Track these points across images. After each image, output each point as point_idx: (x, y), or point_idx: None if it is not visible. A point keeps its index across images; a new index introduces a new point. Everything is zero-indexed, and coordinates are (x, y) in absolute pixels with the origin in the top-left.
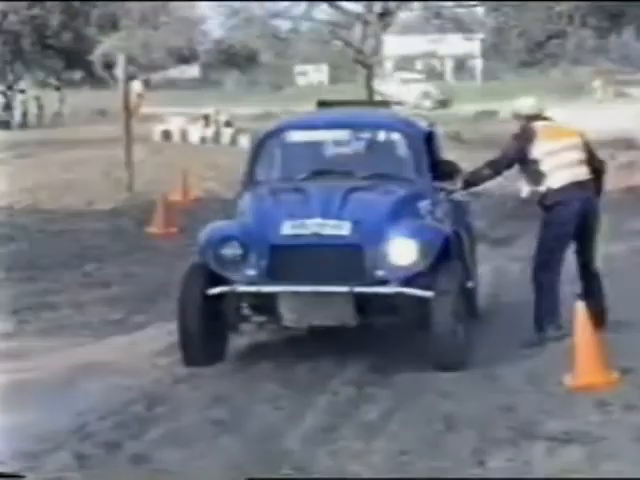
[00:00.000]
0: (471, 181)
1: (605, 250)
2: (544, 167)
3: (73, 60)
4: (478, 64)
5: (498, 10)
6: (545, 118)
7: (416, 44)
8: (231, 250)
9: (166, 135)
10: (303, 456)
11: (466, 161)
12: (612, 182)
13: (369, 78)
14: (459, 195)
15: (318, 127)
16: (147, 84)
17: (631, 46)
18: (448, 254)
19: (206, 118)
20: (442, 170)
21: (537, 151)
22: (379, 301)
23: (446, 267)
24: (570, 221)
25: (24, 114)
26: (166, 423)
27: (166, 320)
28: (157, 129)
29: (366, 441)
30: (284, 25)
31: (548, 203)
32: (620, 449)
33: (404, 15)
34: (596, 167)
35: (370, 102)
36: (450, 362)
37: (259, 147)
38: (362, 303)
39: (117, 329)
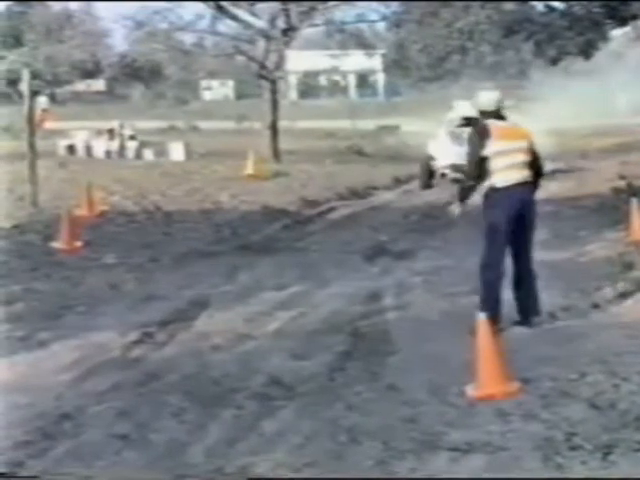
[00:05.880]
0: (463, 196)
1: None
2: (493, 166)
3: None
4: (380, 79)
5: (399, 26)
6: (501, 117)
7: (319, 59)
8: None
9: (71, 150)
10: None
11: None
12: None
13: (273, 93)
14: None
15: None
16: (53, 99)
17: (528, 62)
18: None
19: (110, 132)
20: None
21: (488, 150)
22: None
23: None
24: (507, 221)
25: None
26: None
27: (70, 336)
28: (61, 144)
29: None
30: (189, 39)
31: (489, 201)
32: (520, 458)
33: (307, 30)
34: (538, 170)
35: None
36: None
37: None
38: None
39: (20, 346)
